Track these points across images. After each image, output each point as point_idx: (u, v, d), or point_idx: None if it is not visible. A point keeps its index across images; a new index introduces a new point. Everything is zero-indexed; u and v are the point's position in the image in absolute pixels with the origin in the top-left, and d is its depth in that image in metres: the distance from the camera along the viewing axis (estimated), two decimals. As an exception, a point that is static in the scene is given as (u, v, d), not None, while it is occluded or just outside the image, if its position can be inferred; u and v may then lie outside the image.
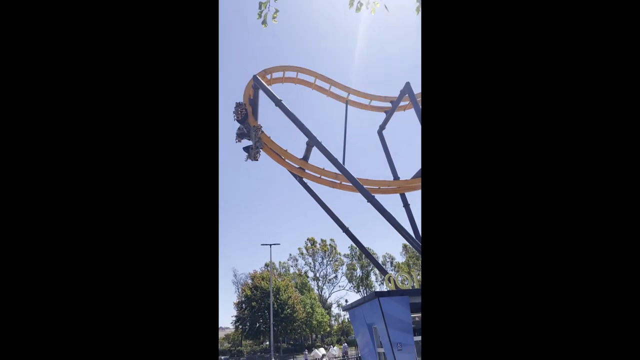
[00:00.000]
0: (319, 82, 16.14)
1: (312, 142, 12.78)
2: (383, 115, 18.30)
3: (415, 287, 9.15)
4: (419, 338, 8.38)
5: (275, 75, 15.11)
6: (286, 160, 13.31)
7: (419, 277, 9.30)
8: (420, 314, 8.79)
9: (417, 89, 15.41)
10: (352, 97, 16.82)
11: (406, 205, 17.61)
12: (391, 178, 17.72)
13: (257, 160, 12.69)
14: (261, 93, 13.52)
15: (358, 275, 43.60)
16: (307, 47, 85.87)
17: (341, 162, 12.76)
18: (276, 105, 13.21)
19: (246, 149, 12.67)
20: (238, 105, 12.90)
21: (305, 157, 13.50)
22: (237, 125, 12.93)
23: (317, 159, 64.82)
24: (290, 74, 15.63)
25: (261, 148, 12.53)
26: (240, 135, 12.80)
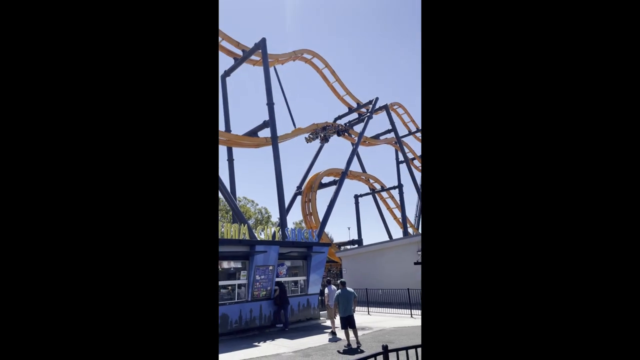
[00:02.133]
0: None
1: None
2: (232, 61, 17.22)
3: (220, 237, 9.39)
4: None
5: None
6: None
7: (223, 229, 9.57)
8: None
9: (272, 48, 15.20)
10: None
11: (230, 159, 17.58)
12: (223, 129, 17.12)
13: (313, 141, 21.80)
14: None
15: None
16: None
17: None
18: None
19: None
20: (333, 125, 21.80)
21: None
22: None
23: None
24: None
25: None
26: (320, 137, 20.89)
